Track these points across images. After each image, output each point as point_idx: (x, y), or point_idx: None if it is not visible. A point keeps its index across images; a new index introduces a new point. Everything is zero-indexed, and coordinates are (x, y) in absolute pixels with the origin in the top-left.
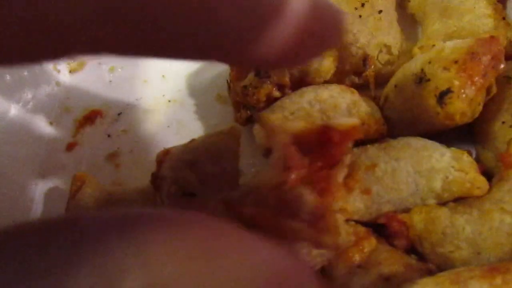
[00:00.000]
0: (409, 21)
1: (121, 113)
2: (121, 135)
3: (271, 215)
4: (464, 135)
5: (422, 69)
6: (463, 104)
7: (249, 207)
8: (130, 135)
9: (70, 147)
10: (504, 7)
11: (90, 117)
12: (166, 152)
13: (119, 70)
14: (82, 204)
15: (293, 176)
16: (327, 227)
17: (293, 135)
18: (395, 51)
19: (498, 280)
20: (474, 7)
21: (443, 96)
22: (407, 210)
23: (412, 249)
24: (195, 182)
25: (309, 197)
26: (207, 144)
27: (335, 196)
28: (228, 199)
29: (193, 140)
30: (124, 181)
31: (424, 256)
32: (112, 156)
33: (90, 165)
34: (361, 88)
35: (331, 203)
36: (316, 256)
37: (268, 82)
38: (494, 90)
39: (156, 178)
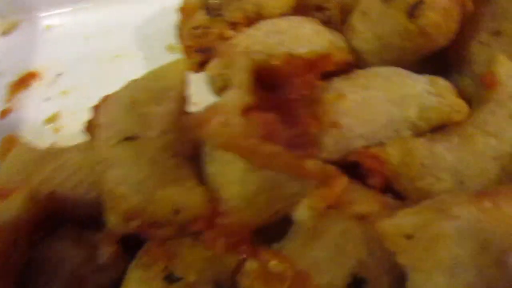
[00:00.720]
0: None
1: (61, 73)
2: (61, 97)
3: (242, 137)
4: (439, 67)
5: None
6: (437, 15)
7: (221, 128)
8: (72, 96)
9: (4, 114)
10: None
11: (25, 80)
12: (105, 98)
13: (58, 28)
14: (9, 165)
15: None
16: (306, 155)
17: (254, 67)
18: None
19: (487, 204)
20: None
21: (414, 8)
22: (380, 145)
23: (388, 189)
24: (135, 124)
25: (280, 126)
26: (148, 83)
27: (306, 129)
28: (189, 121)
29: (134, 80)
30: (68, 144)
31: (401, 195)
32: (52, 120)
33: (28, 131)
34: (327, 26)
35: (306, 132)
36: (280, 200)
37: (221, 20)
38: (470, 5)
39: (91, 125)
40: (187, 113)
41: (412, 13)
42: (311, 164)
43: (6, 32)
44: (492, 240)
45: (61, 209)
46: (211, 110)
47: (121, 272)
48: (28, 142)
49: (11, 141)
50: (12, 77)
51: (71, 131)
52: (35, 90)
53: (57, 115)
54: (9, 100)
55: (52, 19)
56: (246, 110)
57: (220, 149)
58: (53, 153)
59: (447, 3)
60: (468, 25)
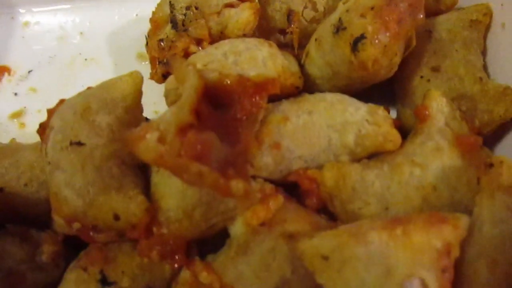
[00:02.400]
0: None
1: (31, 70)
2: (29, 94)
3: (173, 155)
4: (387, 96)
5: (339, 18)
6: (376, 51)
7: (153, 145)
8: (39, 94)
9: None
10: None
11: None
12: (61, 102)
13: (34, 25)
14: None
15: (202, 121)
16: (235, 175)
17: (206, 84)
18: (320, 7)
19: (398, 231)
20: None
21: (356, 42)
22: (319, 168)
23: (323, 210)
24: (85, 131)
25: (218, 144)
26: (102, 91)
27: (246, 148)
28: (126, 135)
29: (89, 88)
30: (28, 142)
31: (334, 216)
32: (17, 115)
33: None
34: (287, 47)
35: (243, 153)
36: (217, 215)
37: (186, 35)
38: (414, 43)
39: (44, 129)
40: (135, 125)
41: (354, 47)
42: (235, 186)
43: None
44: (397, 267)
45: (10, 205)
46: (146, 126)
47: (61, 272)
48: None
49: None
50: None
51: (34, 128)
52: (5, 85)
53: (22, 111)
54: None
55: (30, 16)
56: (183, 129)
57: (153, 165)
58: (10, 150)
59: (387, 40)
60: (411, 59)
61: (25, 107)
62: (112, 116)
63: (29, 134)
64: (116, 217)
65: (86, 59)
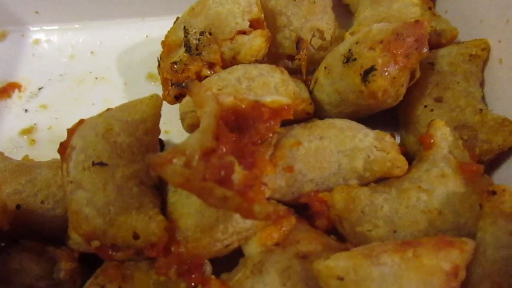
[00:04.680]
0: (344, 11)
1: (42, 87)
2: (39, 111)
3: (199, 179)
4: (390, 122)
5: (349, 50)
6: (385, 82)
7: (180, 169)
8: (49, 111)
9: None
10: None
11: (6, 90)
12: (80, 122)
13: (44, 43)
14: None
15: (222, 145)
16: (256, 197)
17: (222, 108)
18: (328, 36)
19: (409, 254)
20: None
21: (367, 74)
22: (329, 190)
23: (332, 231)
24: (106, 152)
25: (238, 168)
26: (123, 113)
27: (262, 171)
28: (153, 159)
29: (109, 109)
30: (39, 158)
31: (343, 237)
32: (28, 132)
33: (3, 139)
34: (294, 73)
35: (260, 176)
36: (233, 234)
37: (199, 59)
38: (418, 74)
39: (64, 148)
40: (155, 148)
41: (365, 77)
42: (258, 208)
43: None
44: (409, 287)
45: (26, 222)
46: (173, 151)
47: None
48: (1, 151)
49: None
50: None
51: (44, 145)
52: (15, 101)
53: (33, 128)
54: None
55: (40, 34)
56: (207, 153)
57: (179, 188)
58: (26, 167)
59: (396, 72)
60: (415, 90)
61: (35, 124)
62: (133, 137)
63: (39, 151)
64: (136, 236)
65: (96, 78)
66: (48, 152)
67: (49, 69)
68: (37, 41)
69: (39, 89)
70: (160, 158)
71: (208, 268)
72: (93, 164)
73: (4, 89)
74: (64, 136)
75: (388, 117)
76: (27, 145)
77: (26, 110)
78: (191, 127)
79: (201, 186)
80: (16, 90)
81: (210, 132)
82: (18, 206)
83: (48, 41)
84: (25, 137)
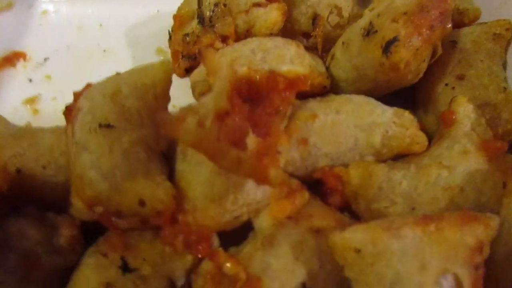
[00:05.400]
0: None
1: (48, 58)
2: (44, 81)
3: (213, 139)
4: (406, 103)
5: (370, 22)
6: (408, 53)
7: (193, 128)
8: (55, 82)
9: None
10: None
11: (10, 59)
12: (87, 86)
13: (52, 14)
14: None
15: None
16: (270, 164)
17: (236, 78)
18: (345, 13)
19: (432, 227)
20: None
21: (389, 45)
22: (345, 166)
23: (346, 209)
24: (114, 114)
25: (252, 136)
26: (132, 77)
27: (276, 141)
28: (165, 118)
29: (119, 73)
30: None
31: (357, 216)
32: (31, 101)
33: (6, 108)
34: (309, 51)
35: (274, 145)
36: (243, 206)
37: (212, 31)
38: (440, 51)
39: (70, 110)
40: (165, 111)
41: (386, 49)
42: (274, 173)
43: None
44: (431, 262)
45: (26, 188)
46: (186, 110)
47: (77, 257)
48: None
49: None
50: None
51: (47, 115)
52: (20, 70)
53: (37, 98)
54: None
55: (48, 5)
56: (221, 115)
57: (191, 148)
58: (28, 132)
59: (419, 44)
60: (436, 68)
61: (39, 94)
62: (141, 102)
63: (42, 121)
64: (142, 203)
65: (104, 51)
66: (51, 122)
67: (56, 40)
68: (45, 12)
69: (45, 59)
70: (172, 117)
71: (215, 241)
72: (100, 126)
73: (8, 58)
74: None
75: (404, 98)
76: (30, 114)
77: (30, 80)
78: (202, 96)
79: (215, 147)
80: (21, 60)
81: (224, 94)
82: (18, 170)
83: (56, 12)
84: (28, 106)
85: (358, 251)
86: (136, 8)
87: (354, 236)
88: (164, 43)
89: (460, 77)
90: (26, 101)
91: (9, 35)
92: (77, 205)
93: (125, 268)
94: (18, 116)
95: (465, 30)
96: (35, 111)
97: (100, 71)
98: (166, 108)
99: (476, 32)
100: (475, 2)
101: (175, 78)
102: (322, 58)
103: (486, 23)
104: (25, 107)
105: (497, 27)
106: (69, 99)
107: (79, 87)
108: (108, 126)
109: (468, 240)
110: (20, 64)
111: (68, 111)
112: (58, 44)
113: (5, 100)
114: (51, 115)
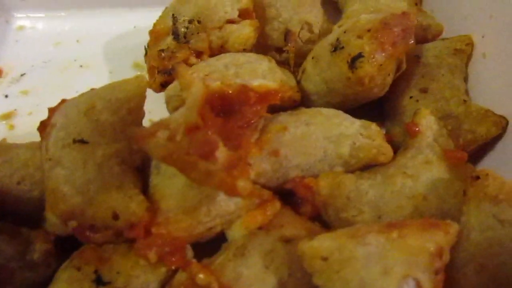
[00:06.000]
0: (332, 7)
1: (24, 74)
2: (20, 96)
3: (182, 152)
4: (375, 115)
5: (337, 39)
6: (372, 68)
7: (163, 142)
8: (31, 97)
9: None
10: None
11: None
12: (62, 102)
13: (29, 30)
14: None
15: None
16: (240, 176)
17: (209, 91)
18: (316, 29)
19: (394, 234)
20: None
21: (354, 61)
22: (315, 177)
23: (316, 218)
24: (88, 129)
25: (222, 148)
26: (107, 92)
27: (247, 152)
28: (136, 132)
29: (93, 89)
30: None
31: (328, 224)
32: (7, 117)
33: None
34: (282, 65)
35: (244, 157)
36: (216, 217)
37: (187, 47)
38: (404, 66)
39: (45, 126)
40: (137, 125)
41: (352, 64)
42: (242, 184)
43: None
44: (394, 267)
45: (1, 202)
46: (157, 124)
47: (52, 271)
48: None
49: None
50: None
51: (24, 130)
52: None
53: (13, 113)
54: None
55: (25, 21)
56: (191, 129)
57: (162, 162)
58: (3, 147)
59: (382, 60)
60: (401, 81)
61: (15, 110)
62: (116, 116)
63: (18, 136)
64: (115, 216)
65: (81, 66)
66: (28, 138)
67: (33, 55)
68: (21, 28)
69: (21, 75)
70: (143, 131)
71: (189, 252)
72: (74, 141)
73: None
74: None
75: (373, 111)
76: (6, 130)
77: (6, 96)
78: (176, 110)
79: (184, 160)
80: None
81: (195, 108)
82: None
83: (33, 28)
84: (4, 122)
85: (325, 258)
86: (113, 24)
87: (322, 244)
88: (140, 58)
89: (424, 90)
90: (2, 117)
91: None
92: (51, 219)
93: (99, 281)
94: None
95: (428, 45)
96: (11, 127)
97: (77, 87)
98: (140, 122)
99: (438, 47)
100: (438, 19)
101: (152, 93)
102: (294, 72)
103: (448, 38)
104: (0, 123)
105: (458, 42)
106: (46, 114)
107: (55, 102)
108: (82, 141)
109: (428, 246)
110: None
111: (42, 127)
112: (34, 60)
113: None
114: (27, 130)
